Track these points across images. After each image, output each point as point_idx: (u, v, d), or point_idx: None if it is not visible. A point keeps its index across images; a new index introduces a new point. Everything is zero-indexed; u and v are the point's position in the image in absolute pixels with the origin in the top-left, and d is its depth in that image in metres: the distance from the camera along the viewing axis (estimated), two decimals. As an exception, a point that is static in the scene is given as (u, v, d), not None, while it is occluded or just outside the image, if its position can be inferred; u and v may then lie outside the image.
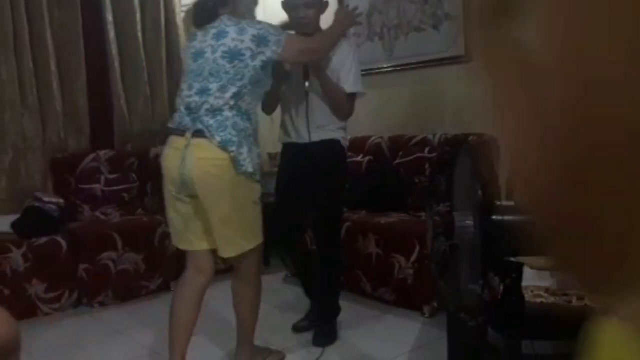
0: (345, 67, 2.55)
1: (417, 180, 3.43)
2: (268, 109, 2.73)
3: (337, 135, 2.65)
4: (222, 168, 2.06)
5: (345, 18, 2.56)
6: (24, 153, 3.74)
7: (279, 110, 2.78)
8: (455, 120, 3.52)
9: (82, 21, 3.94)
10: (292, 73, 2.57)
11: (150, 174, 4.09)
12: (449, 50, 3.51)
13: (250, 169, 2.07)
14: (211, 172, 2.07)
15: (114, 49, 4.07)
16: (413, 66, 3.68)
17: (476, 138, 3.30)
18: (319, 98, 2.58)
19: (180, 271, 3.55)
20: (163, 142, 4.14)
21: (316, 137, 2.58)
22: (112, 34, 4.05)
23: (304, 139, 2.59)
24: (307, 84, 2.52)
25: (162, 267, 3.59)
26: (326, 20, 2.60)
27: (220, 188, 2.07)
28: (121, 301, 3.42)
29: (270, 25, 2.22)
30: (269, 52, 2.14)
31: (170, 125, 2.27)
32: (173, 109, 4.22)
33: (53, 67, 3.83)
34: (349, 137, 2.80)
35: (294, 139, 2.67)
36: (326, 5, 2.59)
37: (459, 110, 3.53)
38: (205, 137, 2.07)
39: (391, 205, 3.38)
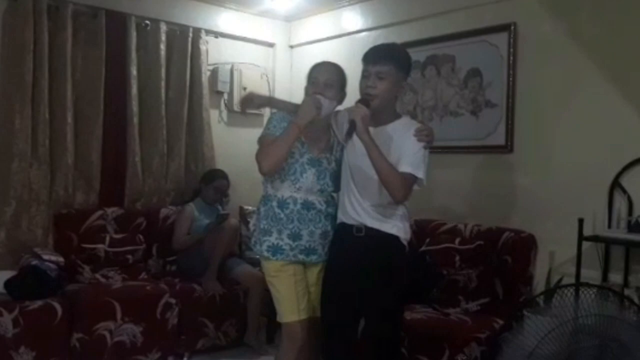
0: (409, 147, 2.18)
1: (445, 272, 3.19)
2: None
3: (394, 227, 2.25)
4: None
5: None
6: (27, 205, 3.52)
7: None
8: (490, 212, 3.33)
9: (105, 74, 3.78)
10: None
11: (158, 235, 3.92)
12: (487, 139, 3.35)
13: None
14: None
15: (134, 104, 3.90)
16: (446, 150, 3.46)
17: (513, 235, 3.10)
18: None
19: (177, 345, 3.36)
20: (174, 203, 4.01)
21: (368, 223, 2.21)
22: (134, 88, 3.89)
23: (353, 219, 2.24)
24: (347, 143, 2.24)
25: (161, 340, 3.38)
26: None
27: None
28: (113, 375, 3.15)
29: (274, 117, 2.34)
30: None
31: None
32: (189, 169, 4.10)
33: (69, 119, 3.64)
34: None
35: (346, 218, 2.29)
36: (403, 86, 2.26)
37: (494, 201, 3.34)
38: None
39: (414, 295, 3.13)
